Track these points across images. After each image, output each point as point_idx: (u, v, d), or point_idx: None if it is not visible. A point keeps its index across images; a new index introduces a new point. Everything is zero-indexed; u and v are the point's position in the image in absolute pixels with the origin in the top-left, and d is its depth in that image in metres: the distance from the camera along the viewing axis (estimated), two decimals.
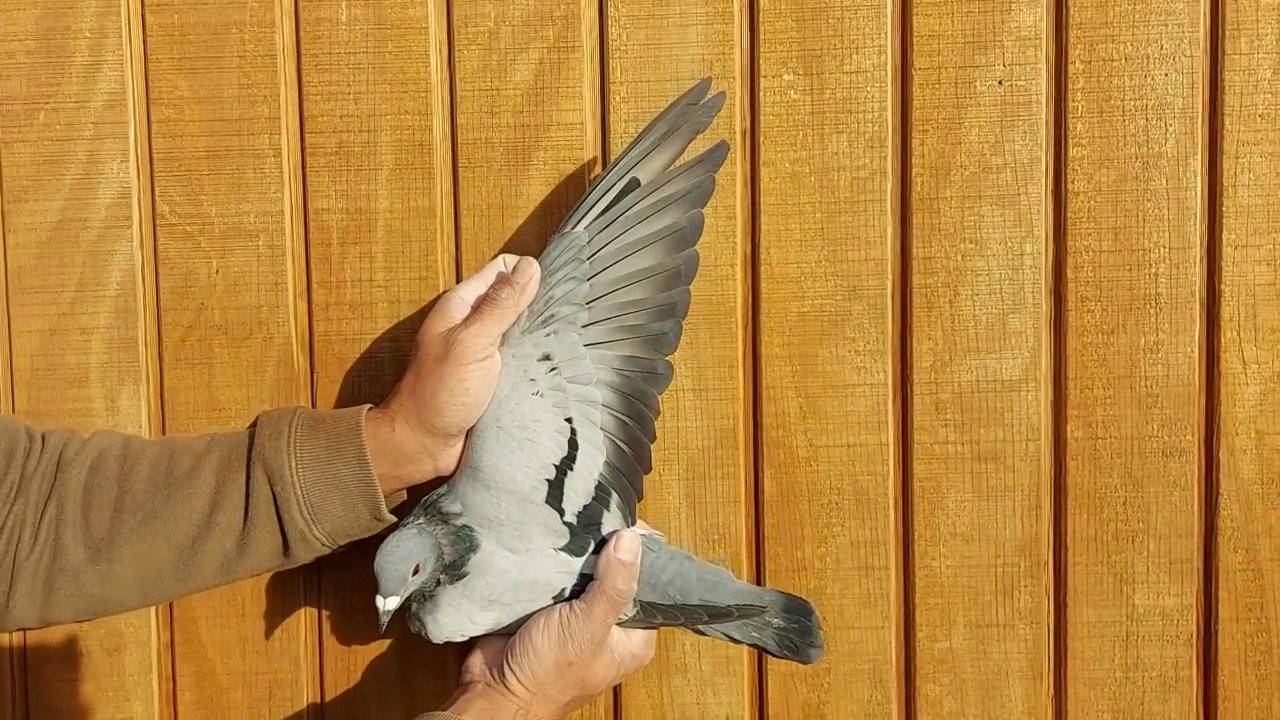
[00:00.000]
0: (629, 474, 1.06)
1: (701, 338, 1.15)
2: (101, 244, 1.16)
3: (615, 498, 1.06)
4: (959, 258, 1.14)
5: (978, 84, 1.13)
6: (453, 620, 1.04)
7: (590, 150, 1.14)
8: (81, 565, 1.04)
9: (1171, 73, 1.12)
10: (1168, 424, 1.14)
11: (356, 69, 1.15)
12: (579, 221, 1.05)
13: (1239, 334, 1.13)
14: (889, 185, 1.14)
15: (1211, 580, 1.15)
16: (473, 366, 1.02)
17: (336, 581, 1.18)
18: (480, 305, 1.05)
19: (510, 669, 1.03)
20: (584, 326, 1.04)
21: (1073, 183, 1.13)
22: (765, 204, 1.15)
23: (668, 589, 1.06)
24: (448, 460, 1.06)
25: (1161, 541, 1.15)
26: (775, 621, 1.07)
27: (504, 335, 1.04)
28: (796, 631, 1.07)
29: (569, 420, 1.05)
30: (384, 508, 1.05)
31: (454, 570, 1.03)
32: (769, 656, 1.12)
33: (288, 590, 1.18)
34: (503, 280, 1.05)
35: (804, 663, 1.08)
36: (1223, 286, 1.13)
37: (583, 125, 1.14)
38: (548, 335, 1.04)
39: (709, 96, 1.06)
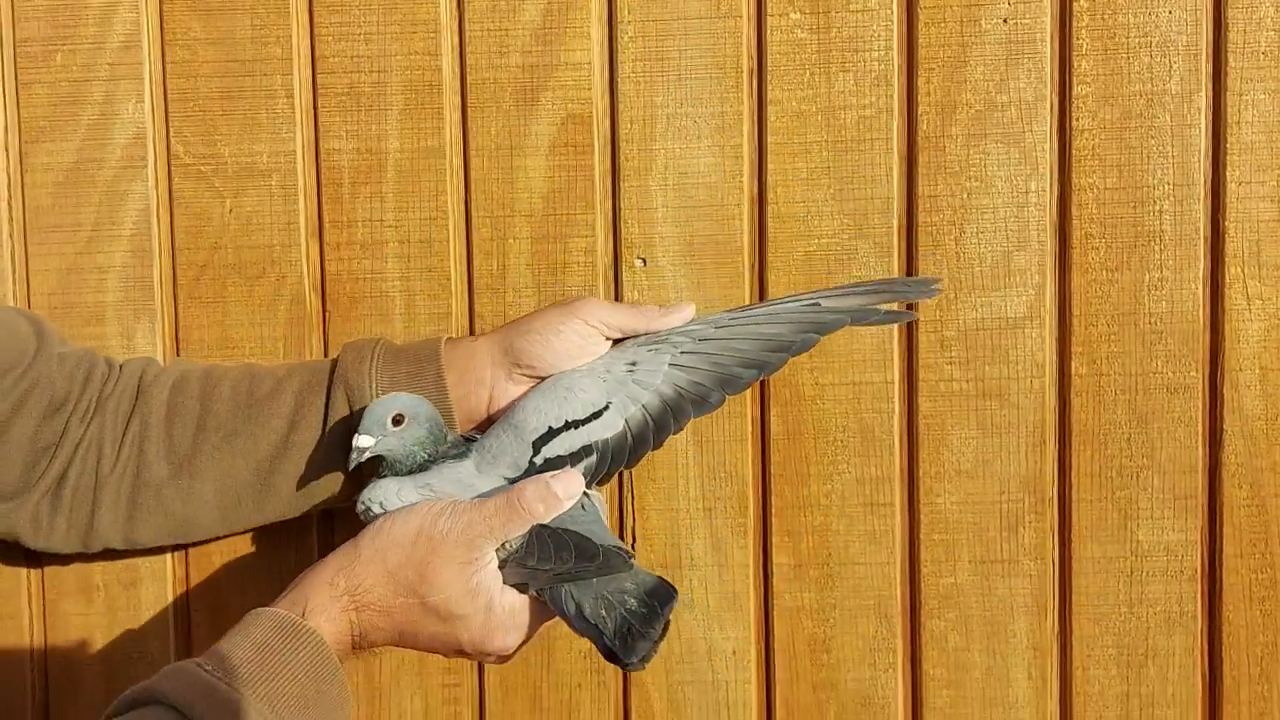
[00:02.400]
0: (614, 458, 1.05)
1: (709, 277, 1.16)
2: (117, 184, 1.18)
3: (588, 462, 1.04)
4: (964, 196, 1.15)
5: (983, 22, 1.14)
6: (384, 489, 1.02)
7: (598, 89, 1.15)
8: (164, 480, 1.07)
9: (1175, 10, 1.13)
10: (1172, 360, 1.15)
11: (367, 10, 1.16)
12: (760, 304, 1.09)
13: (1243, 270, 1.14)
14: (895, 124, 1.15)
15: (1216, 516, 1.16)
16: (577, 322, 1.06)
17: (350, 527, 1.19)
18: (628, 304, 1.11)
19: (373, 527, 0.99)
20: (682, 353, 1.06)
21: (1077, 120, 1.14)
22: (772, 143, 1.15)
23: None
24: (499, 398, 1.07)
25: (1165, 477, 1.16)
26: (630, 602, 0.98)
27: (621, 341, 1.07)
28: (641, 618, 0.97)
29: (609, 403, 1.05)
30: (457, 431, 1.06)
31: (425, 466, 1.03)
32: (610, 658, 0.98)
33: (301, 526, 1.19)
34: (659, 304, 1.11)
35: (622, 663, 0.96)
36: (1227, 223, 1.14)
37: (590, 65, 1.15)
38: (649, 351, 1.06)
39: (932, 286, 1.06)
